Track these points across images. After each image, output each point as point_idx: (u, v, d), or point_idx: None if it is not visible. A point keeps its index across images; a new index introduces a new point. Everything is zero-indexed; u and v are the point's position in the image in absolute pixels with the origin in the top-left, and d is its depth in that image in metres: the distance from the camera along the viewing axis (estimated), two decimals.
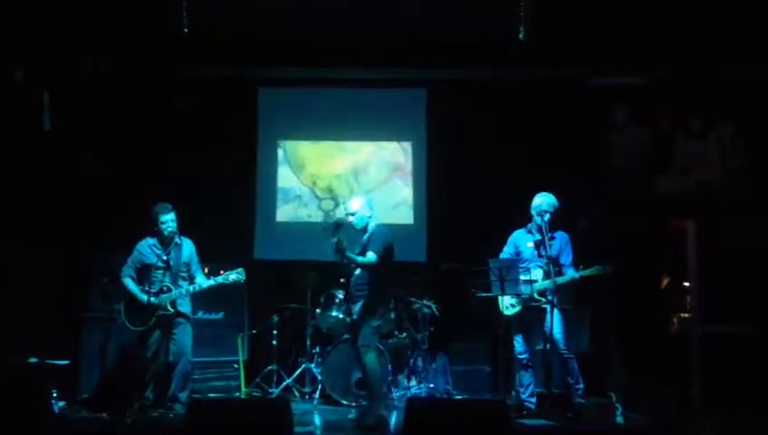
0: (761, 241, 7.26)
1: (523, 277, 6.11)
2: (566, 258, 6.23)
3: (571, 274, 6.15)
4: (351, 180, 8.42)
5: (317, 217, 8.34)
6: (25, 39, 6.73)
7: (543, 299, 6.14)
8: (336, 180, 8.42)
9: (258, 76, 8.33)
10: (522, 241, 6.41)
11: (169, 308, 6.09)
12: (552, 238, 6.16)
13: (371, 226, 6.20)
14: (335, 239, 5.84)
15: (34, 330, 6.65)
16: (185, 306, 6.23)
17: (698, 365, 6.70)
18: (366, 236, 6.16)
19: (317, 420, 6.39)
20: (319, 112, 8.41)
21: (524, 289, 6.11)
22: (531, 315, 6.25)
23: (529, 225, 6.40)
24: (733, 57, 7.36)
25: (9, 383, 5.95)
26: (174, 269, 6.20)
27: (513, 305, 6.27)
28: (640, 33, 7.24)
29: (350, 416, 6.33)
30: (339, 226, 6.05)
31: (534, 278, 6.18)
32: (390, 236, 6.15)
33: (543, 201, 6.26)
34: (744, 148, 7.99)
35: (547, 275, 6.12)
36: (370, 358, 6.01)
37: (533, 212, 6.30)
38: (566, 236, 6.32)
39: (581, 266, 6.15)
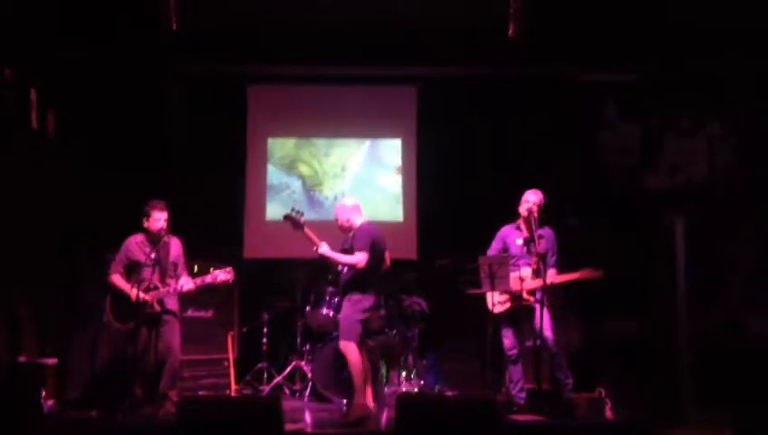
0: (747, 238, 7.30)
1: (512, 275, 6.12)
2: (550, 258, 6.21)
3: (552, 275, 6.11)
4: (340, 176, 8.42)
5: (305, 208, 8.17)
6: (14, 36, 6.69)
7: (533, 299, 6.12)
8: (325, 175, 8.43)
9: (247, 74, 8.31)
10: (510, 237, 6.39)
11: (156, 306, 6.06)
12: (540, 236, 6.14)
13: (356, 225, 6.20)
14: (320, 249, 5.97)
15: (24, 329, 6.61)
16: (172, 304, 6.20)
17: (687, 360, 6.72)
18: (351, 235, 6.18)
19: (307, 417, 6.38)
20: (308, 110, 8.41)
21: (514, 286, 6.11)
22: (519, 312, 6.23)
23: (517, 221, 6.40)
24: (723, 55, 7.38)
25: None
26: (162, 267, 6.16)
27: (501, 303, 6.23)
28: (631, 30, 7.25)
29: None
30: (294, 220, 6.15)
31: (524, 277, 6.17)
32: (375, 233, 6.14)
33: (531, 198, 6.26)
34: (732, 146, 8.03)
35: (536, 274, 6.11)
36: (350, 350, 6.00)
37: (522, 209, 6.29)
38: (553, 234, 6.31)
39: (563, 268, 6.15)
